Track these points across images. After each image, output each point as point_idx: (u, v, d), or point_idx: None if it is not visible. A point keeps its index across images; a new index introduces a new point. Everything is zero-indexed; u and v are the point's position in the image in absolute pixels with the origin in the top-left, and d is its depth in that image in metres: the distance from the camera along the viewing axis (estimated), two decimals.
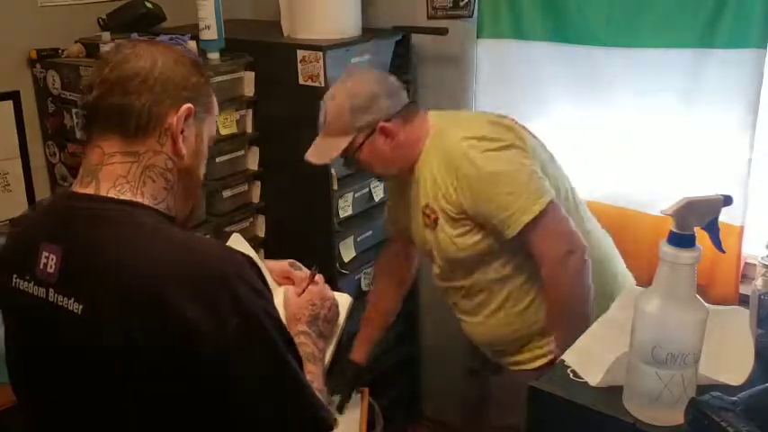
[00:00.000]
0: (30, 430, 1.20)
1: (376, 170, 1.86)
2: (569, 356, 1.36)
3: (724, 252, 1.36)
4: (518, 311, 1.84)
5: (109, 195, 1.05)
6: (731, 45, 2.02)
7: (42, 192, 2.54)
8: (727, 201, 1.25)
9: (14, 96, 2.41)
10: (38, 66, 2.42)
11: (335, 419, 1.12)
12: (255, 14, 2.99)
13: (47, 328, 1.04)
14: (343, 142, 1.77)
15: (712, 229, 1.26)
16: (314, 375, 1.19)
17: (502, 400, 2.03)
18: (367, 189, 2.60)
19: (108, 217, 1.03)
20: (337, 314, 1.41)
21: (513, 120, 1.84)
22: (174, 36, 2.25)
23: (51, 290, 1.02)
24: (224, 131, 2.37)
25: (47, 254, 1.03)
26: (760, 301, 1.36)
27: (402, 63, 2.64)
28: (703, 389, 1.16)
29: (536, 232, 1.68)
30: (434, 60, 2.68)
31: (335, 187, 2.42)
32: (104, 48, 2.25)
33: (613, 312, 1.52)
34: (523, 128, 1.82)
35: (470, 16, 2.51)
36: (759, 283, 1.36)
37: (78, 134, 2.38)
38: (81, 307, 0.99)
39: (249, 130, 2.47)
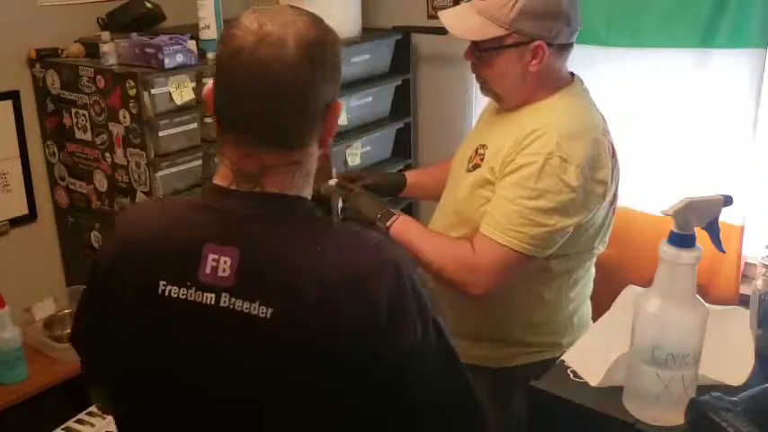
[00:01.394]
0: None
1: (494, 84, 1.60)
2: (569, 356, 1.36)
3: (724, 252, 1.36)
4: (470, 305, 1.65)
5: (277, 192, 0.98)
6: (731, 45, 2.02)
7: (42, 192, 2.54)
8: (728, 201, 1.25)
9: (14, 96, 2.41)
10: (37, 65, 2.42)
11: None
12: None
13: (218, 338, 0.95)
14: (494, 31, 1.50)
15: (713, 229, 1.26)
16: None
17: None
18: None
19: (283, 214, 0.98)
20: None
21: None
22: (174, 36, 2.25)
23: (225, 294, 0.94)
24: None
25: (215, 256, 0.94)
26: (760, 301, 1.36)
27: (402, 63, 2.64)
28: (703, 389, 1.16)
29: (484, 246, 1.51)
30: (434, 60, 2.68)
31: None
32: (104, 48, 2.25)
33: (613, 312, 1.52)
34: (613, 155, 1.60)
35: None
36: (759, 283, 1.36)
37: (77, 133, 2.38)
38: (271, 311, 0.92)
39: None
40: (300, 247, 0.95)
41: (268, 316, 0.91)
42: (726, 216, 1.29)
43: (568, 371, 1.32)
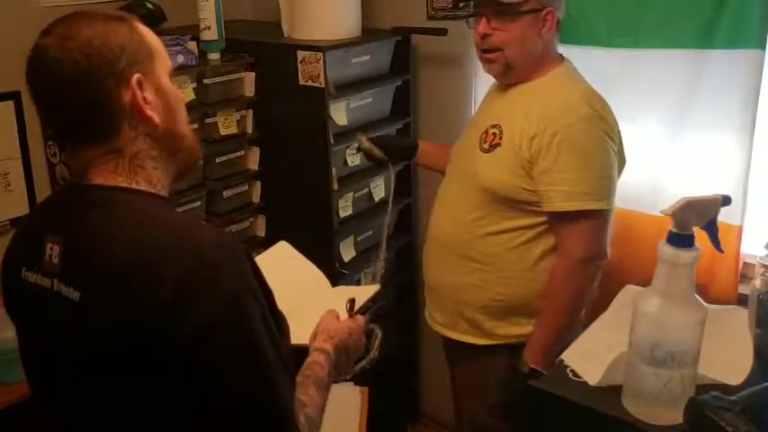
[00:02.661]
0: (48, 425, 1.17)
1: (511, 51, 1.70)
2: (569, 356, 1.36)
3: (723, 252, 1.37)
4: (492, 278, 1.77)
5: (105, 184, 1.05)
6: (731, 45, 2.02)
7: (43, 192, 2.54)
8: (726, 201, 1.26)
9: (15, 96, 2.41)
10: None
11: None
12: (256, 15, 2.99)
13: (50, 317, 1.05)
14: None
15: (711, 228, 1.26)
16: (312, 401, 1.12)
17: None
18: (367, 189, 2.60)
19: (102, 203, 1.04)
20: (356, 360, 1.34)
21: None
22: (174, 36, 2.25)
23: (56, 280, 1.03)
24: (224, 132, 2.37)
25: (50, 245, 1.04)
26: (759, 301, 1.36)
27: (402, 64, 2.64)
28: (702, 388, 1.17)
29: (574, 225, 1.65)
30: (434, 60, 2.68)
31: (335, 187, 2.42)
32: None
33: (612, 312, 1.52)
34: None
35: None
36: (758, 282, 1.37)
37: None
38: (78, 294, 1.00)
39: (249, 130, 2.47)
40: (107, 233, 1.00)
41: (77, 299, 1.00)
42: (724, 216, 1.29)
43: (568, 370, 1.33)
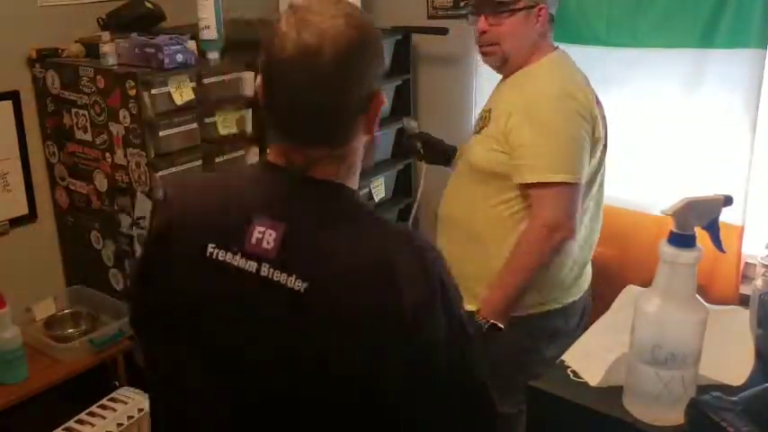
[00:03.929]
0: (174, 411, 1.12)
1: (506, 45, 1.82)
2: (569, 356, 1.36)
3: (724, 252, 1.36)
4: (488, 250, 1.85)
5: (324, 178, 1.03)
6: (731, 45, 2.02)
7: (43, 192, 2.54)
8: (728, 201, 1.25)
9: (14, 96, 2.41)
10: (38, 66, 2.42)
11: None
12: (255, 14, 2.99)
13: (254, 304, 1.00)
14: None
15: (712, 228, 1.26)
16: None
17: None
18: (367, 189, 2.60)
19: (331, 198, 1.03)
20: None
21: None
22: (174, 36, 2.25)
23: (266, 265, 0.99)
24: (223, 131, 2.37)
25: (262, 228, 1.00)
26: (760, 301, 1.36)
27: (402, 63, 2.64)
28: (703, 389, 1.16)
29: (541, 195, 1.72)
30: (434, 60, 2.68)
31: None
32: (104, 48, 2.25)
33: (613, 312, 1.52)
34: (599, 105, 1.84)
35: None
36: (759, 282, 1.36)
37: (78, 134, 2.38)
38: (305, 285, 0.96)
39: (249, 130, 2.47)
40: (339, 231, 1.00)
41: (302, 290, 0.96)
42: (726, 216, 1.29)
43: (568, 371, 1.32)
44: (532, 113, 1.73)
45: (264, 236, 0.99)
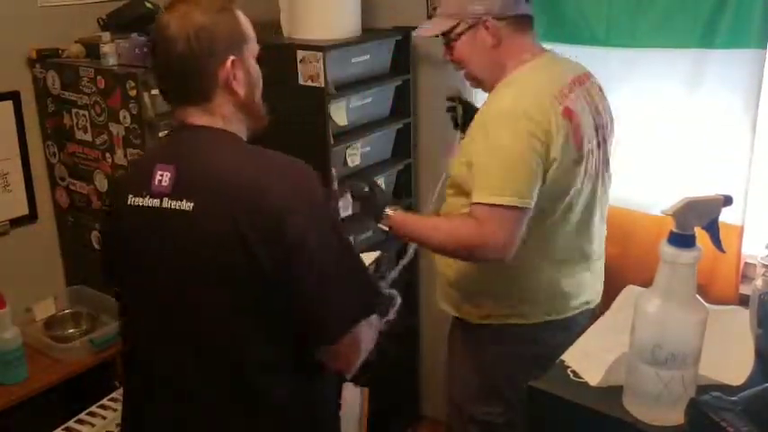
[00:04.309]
0: (135, 328, 1.44)
1: (469, 67, 1.83)
2: (569, 356, 1.36)
3: (724, 252, 1.36)
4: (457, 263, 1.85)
5: (206, 125, 1.33)
6: (731, 45, 2.02)
7: (42, 192, 2.54)
8: (728, 201, 1.25)
9: (14, 96, 2.41)
10: (38, 66, 2.42)
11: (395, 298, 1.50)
12: (255, 14, 2.98)
13: (159, 229, 1.30)
14: (449, 23, 1.79)
15: (712, 228, 1.26)
16: None
17: None
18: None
19: (209, 138, 1.32)
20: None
21: (569, 100, 1.73)
22: None
23: (165, 198, 1.28)
24: None
25: (161, 173, 1.30)
26: (760, 301, 1.36)
27: (402, 63, 2.64)
28: (703, 389, 1.17)
29: (486, 214, 1.63)
30: (434, 60, 2.67)
31: (335, 187, 2.42)
32: (104, 48, 2.25)
33: (613, 312, 1.52)
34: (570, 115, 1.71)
35: None
36: (759, 282, 1.37)
37: (78, 134, 2.39)
38: (192, 204, 1.25)
39: None
40: (219, 160, 1.29)
41: (190, 209, 1.26)
42: (725, 216, 1.29)
43: (568, 371, 1.32)
44: (486, 129, 1.68)
45: (163, 177, 1.29)
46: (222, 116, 1.34)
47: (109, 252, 1.49)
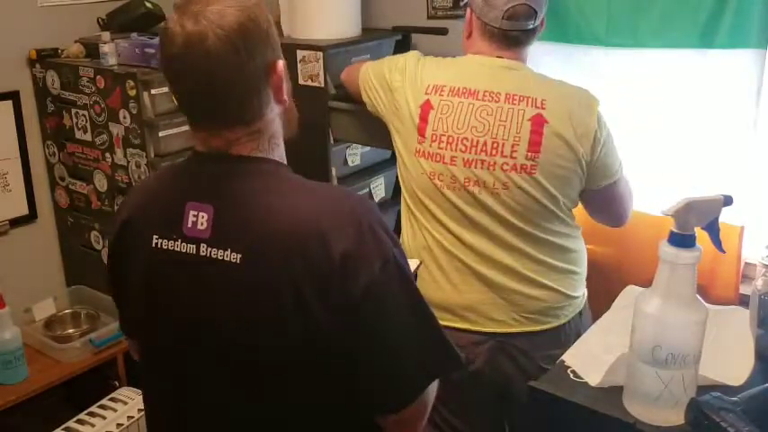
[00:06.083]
0: (154, 392, 1.23)
1: None
2: (569, 357, 1.36)
3: (724, 252, 1.36)
4: None
5: (251, 155, 1.10)
6: (731, 45, 2.01)
7: (42, 192, 2.54)
8: (728, 201, 1.25)
9: (14, 96, 2.41)
10: (37, 66, 2.42)
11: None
12: None
13: (195, 282, 1.08)
14: None
15: (712, 229, 1.26)
16: None
17: None
18: (367, 189, 2.59)
19: (252, 172, 1.09)
20: None
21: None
22: None
23: (204, 245, 1.07)
24: None
25: (195, 212, 1.08)
26: (760, 302, 1.36)
27: None
28: (703, 389, 1.17)
29: None
30: None
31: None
32: (104, 48, 2.25)
33: (613, 312, 1.52)
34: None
35: None
36: (759, 283, 1.37)
37: (77, 134, 2.38)
38: (240, 256, 1.04)
39: None
40: (266, 201, 1.07)
41: (237, 261, 1.04)
42: (726, 216, 1.29)
43: (568, 371, 1.32)
44: None
45: (198, 219, 1.07)
46: (271, 136, 1.12)
47: (125, 298, 1.23)
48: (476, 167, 1.69)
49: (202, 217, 1.07)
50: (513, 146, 1.67)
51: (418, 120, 1.75)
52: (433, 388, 1.13)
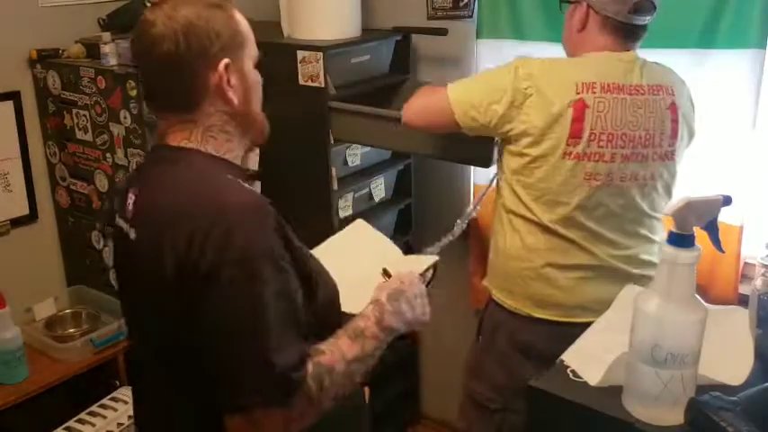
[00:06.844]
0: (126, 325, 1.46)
1: (563, 32, 1.92)
2: (569, 356, 1.36)
3: (723, 252, 1.37)
4: None
5: (178, 145, 1.22)
6: (731, 45, 2.02)
7: (42, 192, 2.54)
8: (727, 201, 1.25)
9: (15, 96, 2.41)
10: (38, 66, 2.42)
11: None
12: (255, 14, 2.98)
13: (121, 252, 1.30)
14: None
15: (712, 229, 1.26)
16: (337, 349, 1.19)
17: None
18: (367, 189, 2.60)
19: (170, 160, 1.21)
20: (423, 304, 1.37)
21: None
22: None
23: (127, 225, 1.23)
24: None
25: (131, 196, 1.24)
26: (759, 302, 1.36)
27: (402, 63, 2.64)
28: (703, 389, 1.17)
29: None
30: (434, 60, 2.68)
31: (335, 187, 2.42)
32: (104, 48, 2.25)
33: (613, 312, 1.52)
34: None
35: (470, 16, 2.51)
36: (758, 283, 1.37)
37: (78, 134, 2.39)
38: (135, 233, 1.21)
39: None
40: (166, 186, 1.19)
41: (133, 238, 1.21)
42: (725, 216, 1.29)
43: (568, 370, 1.32)
44: None
45: (130, 202, 1.23)
46: (206, 128, 1.22)
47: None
48: (632, 161, 1.73)
49: (132, 200, 1.23)
50: (660, 135, 1.75)
51: (571, 120, 1.70)
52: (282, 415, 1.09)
